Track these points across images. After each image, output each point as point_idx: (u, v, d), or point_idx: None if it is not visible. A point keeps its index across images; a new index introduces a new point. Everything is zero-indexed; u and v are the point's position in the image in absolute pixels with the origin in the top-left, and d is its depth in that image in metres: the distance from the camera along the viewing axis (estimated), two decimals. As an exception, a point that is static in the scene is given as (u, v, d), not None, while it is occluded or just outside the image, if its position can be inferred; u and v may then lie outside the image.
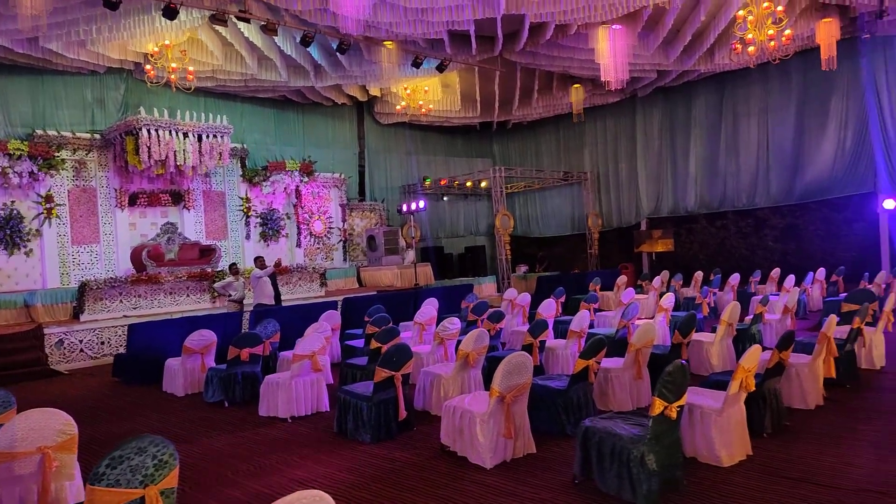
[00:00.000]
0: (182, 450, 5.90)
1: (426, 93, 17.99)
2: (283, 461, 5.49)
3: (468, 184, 20.61)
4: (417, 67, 14.57)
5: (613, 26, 13.06)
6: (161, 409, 7.86)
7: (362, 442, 5.87)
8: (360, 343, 9.47)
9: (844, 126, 15.55)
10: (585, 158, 21.18)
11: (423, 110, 17.93)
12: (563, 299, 12.28)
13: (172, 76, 12.60)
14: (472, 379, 7.06)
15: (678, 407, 4.38)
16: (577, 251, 21.27)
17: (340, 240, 18.60)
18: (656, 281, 14.21)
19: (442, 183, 20.25)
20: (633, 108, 19.72)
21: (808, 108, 16.21)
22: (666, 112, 19.07)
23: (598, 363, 6.11)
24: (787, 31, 11.40)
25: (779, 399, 5.78)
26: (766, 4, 10.83)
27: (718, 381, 5.72)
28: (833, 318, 6.61)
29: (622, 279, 15.06)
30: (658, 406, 4.29)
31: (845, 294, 10.11)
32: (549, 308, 9.87)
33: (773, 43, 11.29)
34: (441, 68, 14.87)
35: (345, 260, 18.70)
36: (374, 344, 7.69)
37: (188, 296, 13.49)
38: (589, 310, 10.66)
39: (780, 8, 11.11)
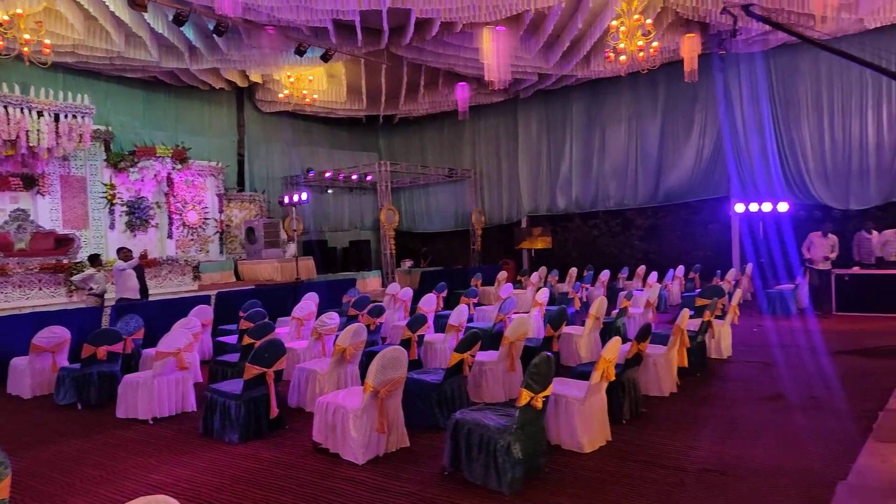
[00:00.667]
0: (24, 457, 5.41)
1: (311, 82, 17.55)
2: (140, 465, 5.15)
3: (353, 177, 20.37)
4: (301, 55, 14.17)
5: (497, 28, 13.37)
6: (3, 413, 7.15)
7: (229, 442, 5.63)
8: (233, 339, 9.09)
9: (703, 135, 16.86)
10: (470, 156, 21.57)
11: (308, 100, 17.47)
12: (444, 294, 12.44)
13: (25, 48, 11.45)
14: (349, 375, 6.97)
15: (544, 397, 4.55)
16: (461, 247, 21.64)
17: (217, 231, 17.76)
18: (534, 277, 14.75)
19: (326, 175, 19.89)
20: (515, 108, 20.31)
21: (672, 117, 17.41)
22: (545, 114, 19.79)
23: (473, 356, 6.23)
24: (655, 44, 12.16)
25: (637, 388, 6.16)
26: (636, 17, 11.49)
27: (584, 372, 6.00)
28: (686, 311, 7.14)
29: (503, 274, 15.50)
30: (525, 397, 4.43)
31: (700, 290, 10.98)
32: (430, 303, 9.96)
33: (642, 54, 12.00)
34: (325, 58, 14.56)
35: (221, 252, 17.88)
36: (246, 340, 7.42)
37: (41, 289, 12.35)
38: (469, 304, 10.88)
39: (649, 21, 11.83)
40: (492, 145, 21.11)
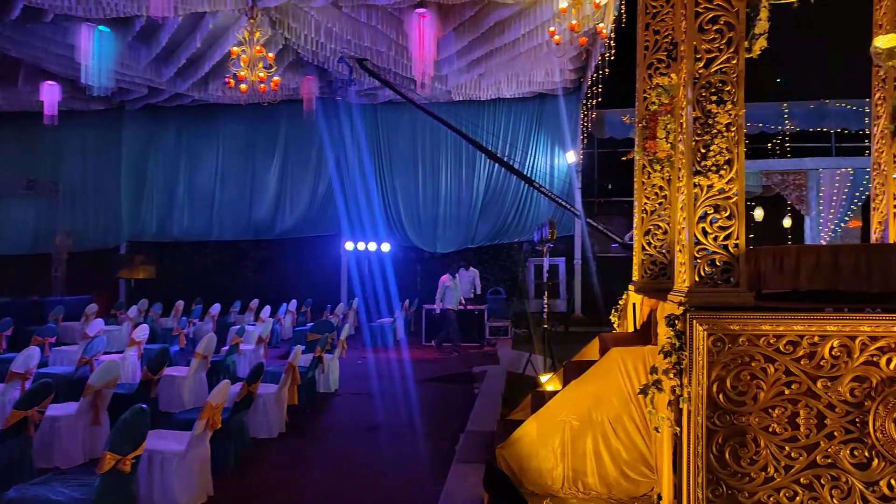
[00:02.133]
0: None
1: None
2: None
3: None
4: None
5: (98, 27, 11.76)
6: None
7: None
8: None
9: (319, 174, 17.59)
10: (56, 167, 18.36)
11: None
12: (9, 332, 10.11)
13: None
14: None
15: (134, 458, 3.84)
16: (40, 274, 18.08)
17: None
18: (132, 310, 13.12)
19: None
20: (120, 120, 18.10)
21: (292, 153, 17.75)
22: (156, 131, 18.16)
23: (43, 412, 5.03)
24: (276, 78, 12.21)
25: (245, 431, 5.79)
26: (258, 48, 11.37)
27: (186, 421, 5.36)
28: (299, 348, 7.09)
29: (93, 308, 13.36)
30: (108, 461, 3.67)
31: (311, 324, 11.16)
32: (-15, 344, 7.90)
33: (263, 86, 11.91)
34: None
35: None
36: None
37: None
38: (43, 344, 9.02)
39: (271, 55, 11.83)
40: (88, 158, 18.36)
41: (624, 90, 6.22)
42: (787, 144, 16.16)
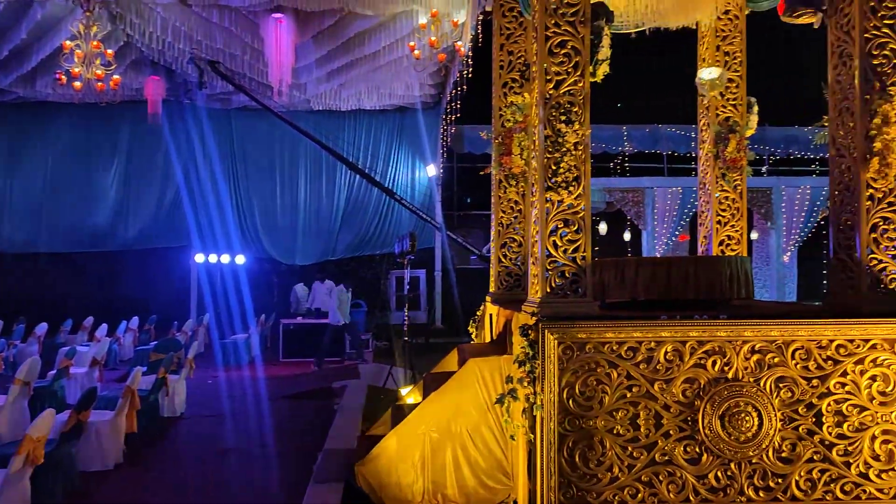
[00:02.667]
0: None
1: None
2: None
3: None
4: None
5: None
6: None
7: None
8: None
9: (166, 181, 16.45)
10: None
11: None
12: None
13: None
14: None
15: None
16: None
17: None
18: (-63, 333, 11.45)
19: None
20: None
21: (135, 158, 16.45)
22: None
23: None
24: (116, 77, 11.27)
25: (74, 464, 5.21)
26: (95, 43, 10.43)
27: (2, 456, 4.73)
28: (139, 370, 6.53)
29: None
30: None
31: (155, 342, 10.35)
32: None
33: (101, 84, 10.94)
34: None
35: None
36: None
37: None
38: None
39: (110, 51, 10.91)
40: None
41: (482, 107, 6.41)
42: (627, 164, 17.55)
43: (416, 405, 5.29)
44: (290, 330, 12.75)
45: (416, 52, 10.32)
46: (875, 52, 3.92)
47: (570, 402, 3.69)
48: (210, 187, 16.11)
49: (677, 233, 16.39)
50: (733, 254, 5.79)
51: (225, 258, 15.42)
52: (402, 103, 16.26)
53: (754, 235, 17.77)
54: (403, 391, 7.05)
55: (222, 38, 11.75)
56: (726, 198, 5.84)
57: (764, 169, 17.02)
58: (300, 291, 14.53)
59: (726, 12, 5.67)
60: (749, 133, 5.79)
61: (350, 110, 16.36)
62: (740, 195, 5.84)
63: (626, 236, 17.98)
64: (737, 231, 5.86)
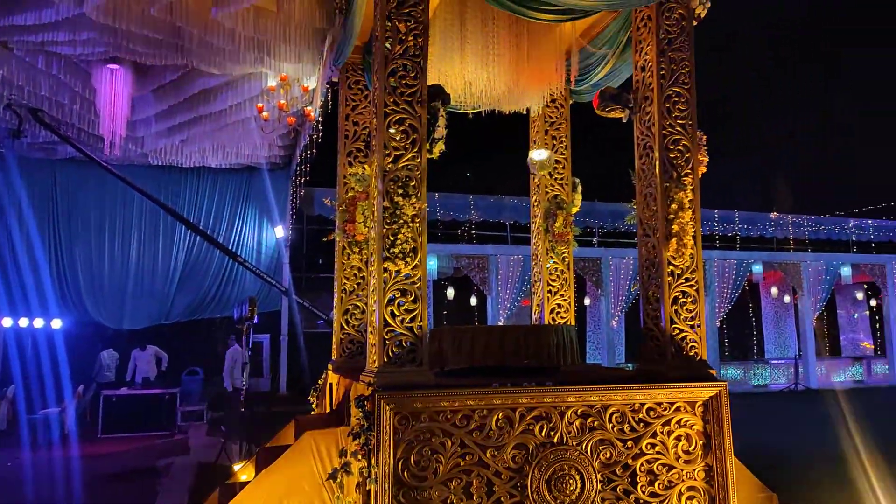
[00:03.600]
0: None
1: None
2: None
3: None
4: None
5: None
6: None
7: None
8: None
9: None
10: None
11: None
12: None
13: None
14: None
15: None
16: None
17: None
18: None
19: None
20: None
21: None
22: None
23: None
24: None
25: None
26: None
27: None
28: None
29: None
30: None
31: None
32: None
33: None
34: None
35: None
36: None
37: None
38: None
39: None
40: None
41: (333, 170, 6.44)
42: (474, 231, 18.32)
43: (247, 483, 4.98)
44: (113, 402, 11.59)
45: (265, 113, 10.20)
46: (671, 147, 4.49)
47: (405, 473, 3.67)
48: (21, 244, 14.44)
49: (520, 298, 17.22)
50: (563, 321, 6.19)
51: (38, 322, 13.81)
52: (250, 163, 15.84)
53: (587, 302, 19.15)
54: (236, 467, 6.62)
55: (48, 85, 10.84)
56: (556, 269, 6.28)
57: (595, 240, 18.53)
58: (106, 358, 13.47)
59: (553, 101, 6.25)
60: (574, 210, 6.33)
61: (193, 167, 15.63)
62: (568, 266, 6.31)
63: (473, 301, 18.58)
64: (565, 300, 6.30)
